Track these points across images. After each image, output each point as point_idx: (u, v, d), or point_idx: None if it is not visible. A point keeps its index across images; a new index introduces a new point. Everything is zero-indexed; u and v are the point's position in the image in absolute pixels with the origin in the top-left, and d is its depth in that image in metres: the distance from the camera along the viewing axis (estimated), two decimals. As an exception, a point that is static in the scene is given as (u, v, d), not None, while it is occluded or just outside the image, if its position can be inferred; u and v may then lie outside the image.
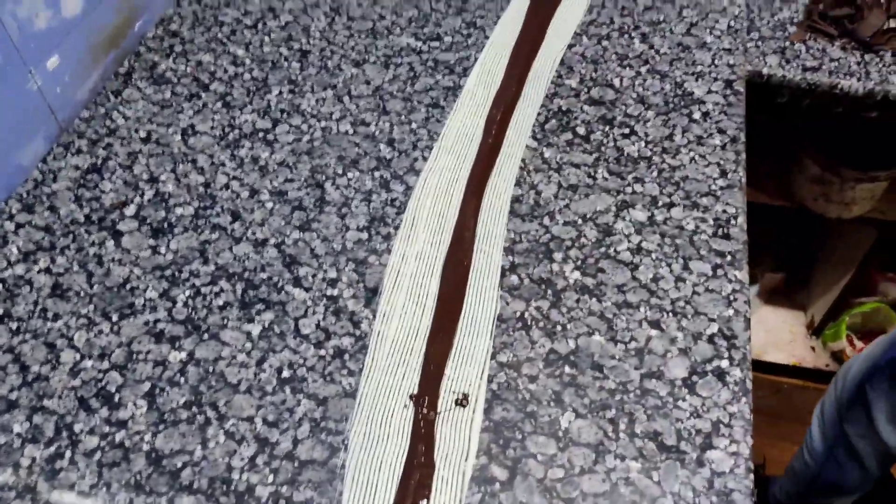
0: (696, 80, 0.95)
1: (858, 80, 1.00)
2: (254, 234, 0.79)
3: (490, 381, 0.67)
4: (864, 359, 0.97)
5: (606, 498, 0.60)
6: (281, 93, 0.95)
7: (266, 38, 1.03)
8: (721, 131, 0.88)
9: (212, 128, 0.90)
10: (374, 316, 0.72)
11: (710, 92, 0.93)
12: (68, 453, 0.62)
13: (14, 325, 0.71)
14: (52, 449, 0.63)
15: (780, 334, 1.70)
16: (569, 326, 0.71)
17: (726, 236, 0.77)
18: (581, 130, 0.89)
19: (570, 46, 1.00)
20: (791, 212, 1.34)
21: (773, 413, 1.47)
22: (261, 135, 0.90)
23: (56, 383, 0.67)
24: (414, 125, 0.91)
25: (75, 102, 0.93)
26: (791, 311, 1.71)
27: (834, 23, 1.07)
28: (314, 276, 0.75)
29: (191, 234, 0.79)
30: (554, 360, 0.68)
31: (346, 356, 0.69)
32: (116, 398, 0.66)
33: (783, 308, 1.71)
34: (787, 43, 1.05)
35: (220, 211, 0.81)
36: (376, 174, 0.85)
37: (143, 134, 0.90)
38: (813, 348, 1.67)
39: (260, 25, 1.05)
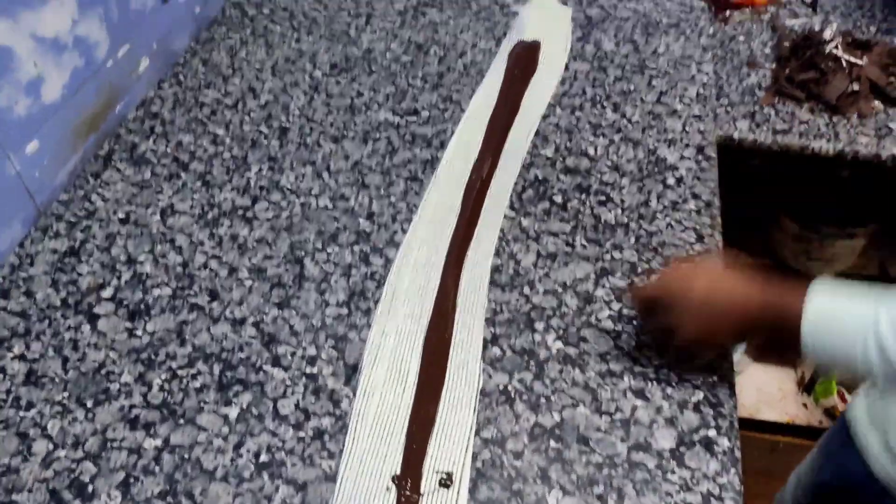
0: (669, 146, 0.97)
1: (828, 141, 1.02)
2: (232, 313, 0.78)
3: (474, 458, 0.65)
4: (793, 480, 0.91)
5: (597, 579, 0.58)
6: (261, 170, 0.96)
7: (246, 118, 1.04)
8: (695, 196, 0.89)
9: (191, 207, 0.91)
10: (355, 394, 0.71)
11: (682, 158, 0.95)
12: (36, 552, 0.60)
13: (-16, 416, 0.69)
14: (20, 547, 0.60)
15: (771, 392, 1.68)
16: (553, 398, 0.70)
17: (706, 301, 0.77)
18: (558, 199, 0.90)
19: (545, 117, 1.02)
20: (774, 270, 1.35)
21: (768, 473, 1.44)
22: (240, 212, 0.90)
23: (27, 475, 0.65)
24: (393, 198, 0.91)
25: (54, 186, 0.93)
26: (781, 369, 1.70)
27: (800, 87, 1.10)
28: (293, 354, 0.74)
29: (168, 316, 0.78)
30: (539, 434, 0.67)
31: (326, 437, 0.67)
32: (90, 489, 0.64)
33: (773, 366, 1.70)
34: (757, 107, 1.08)
35: (199, 290, 0.81)
36: (356, 248, 0.85)
37: (121, 215, 0.90)
38: (805, 405, 1.65)
39: (240, 105, 1.07)
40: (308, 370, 0.73)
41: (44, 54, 0.89)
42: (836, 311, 0.60)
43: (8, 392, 0.71)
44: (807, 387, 1.67)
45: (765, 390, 1.67)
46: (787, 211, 1.29)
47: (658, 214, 0.87)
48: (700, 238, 0.84)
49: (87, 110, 0.98)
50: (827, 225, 1.25)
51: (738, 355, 1.47)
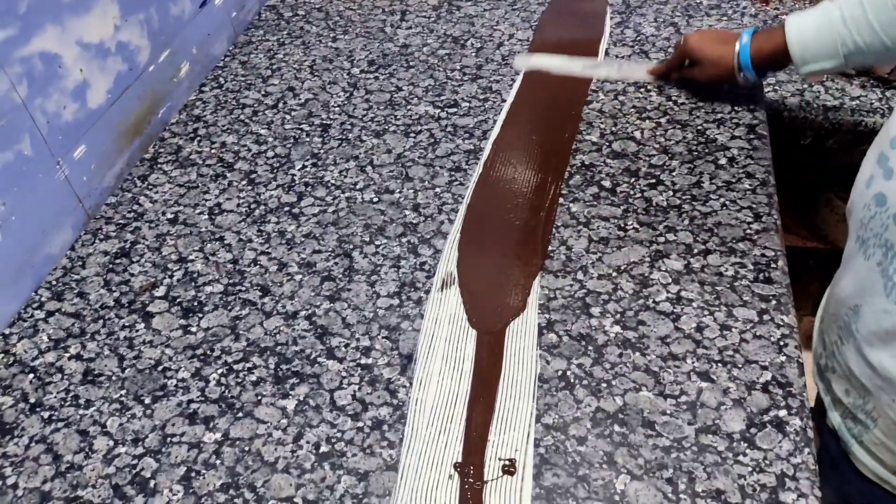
0: (718, 126, 0.94)
1: (882, 115, 0.99)
2: (284, 307, 0.78)
3: (537, 444, 0.64)
4: None
5: (673, 565, 0.56)
6: (304, 167, 0.96)
7: (287, 117, 1.04)
8: (749, 175, 0.87)
9: (238, 205, 0.91)
10: (411, 384, 0.70)
11: (733, 138, 0.93)
12: (103, 546, 0.60)
13: (46, 414, 0.70)
14: (87, 542, 0.60)
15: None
16: (614, 383, 0.68)
17: (768, 280, 0.75)
18: (606, 184, 0.88)
19: (588, 103, 1.01)
20: (825, 253, 1.31)
21: None
22: (286, 209, 0.90)
23: (90, 472, 0.65)
24: (438, 189, 0.90)
25: (102, 189, 0.94)
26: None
27: (850, 63, 1.06)
28: (347, 345, 0.73)
29: (221, 312, 0.78)
30: (602, 419, 0.65)
31: (385, 427, 0.66)
32: (152, 484, 0.63)
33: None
34: (805, 85, 1.05)
35: (250, 286, 0.80)
36: (403, 240, 0.84)
37: (170, 216, 0.90)
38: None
39: (280, 105, 1.07)
40: (363, 361, 0.72)
41: (89, 60, 0.90)
42: (808, 16, 0.84)
43: (67, 391, 0.72)
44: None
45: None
46: (838, 191, 1.25)
47: (712, 195, 0.85)
48: (757, 217, 0.82)
49: (130, 115, 0.99)
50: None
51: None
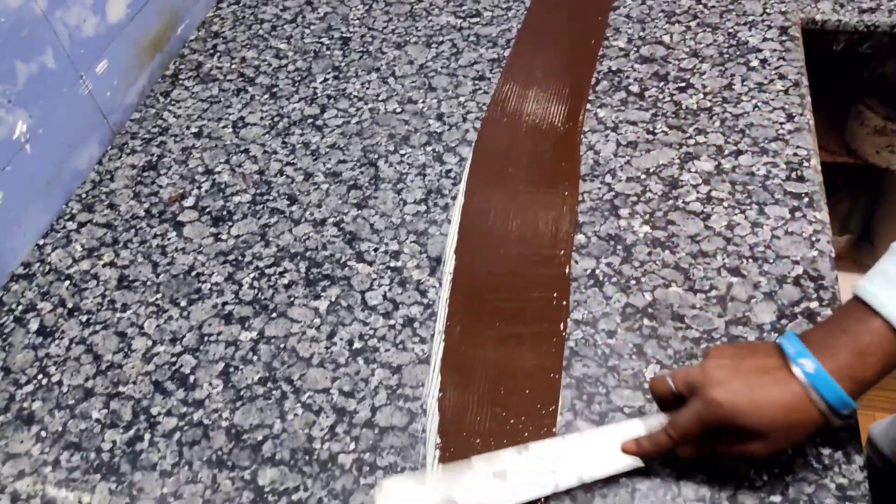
0: (749, 29, 0.92)
1: (921, 16, 0.95)
2: (312, 214, 0.78)
3: (567, 338, 0.65)
4: None
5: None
6: (326, 80, 0.95)
7: (306, 31, 1.03)
8: (782, 76, 0.85)
9: (261, 118, 0.90)
10: (441, 284, 0.70)
11: (765, 40, 0.90)
12: (147, 435, 0.62)
13: (84, 318, 0.71)
14: (132, 432, 0.62)
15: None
16: (643, 280, 0.68)
17: (801, 178, 0.74)
18: (634, 88, 0.87)
19: (614, 8, 0.98)
20: (854, 168, 1.29)
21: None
22: (310, 121, 0.89)
23: (130, 370, 0.67)
24: (462, 98, 0.89)
25: (125, 106, 0.94)
26: (860, 276, 1.64)
27: (887, -38, 1.02)
28: (376, 249, 0.74)
29: (250, 220, 0.79)
30: (631, 313, 0.66)
31: (416, 324, 0.67)
32: (191, 379, 0.65)
33: (851, 273, 1.64)
34: (840, -13, 1.01)
35: (277, 196, 0.81)
36: (428, 148, 0.84)
37: (194, 130, 0.90)
38: None
39: (299, 19, 1.05)
40: (392, 264, 0.72)
41: (106, -28, 0.89)
42: None
43: (103, 296, 0.73)
44: None
45: (843, 298, 1.61)
46: (870, 102, 1.22)
47: (743, 97, 0.83)
48: (790, 117, 0.80)
49: (150, 31, 0.98)
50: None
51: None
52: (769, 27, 0.91)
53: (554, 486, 0.53)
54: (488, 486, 0.53)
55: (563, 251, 0.71)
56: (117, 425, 0.63)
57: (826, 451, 0.55)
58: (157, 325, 0.70)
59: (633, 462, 0.54)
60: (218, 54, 1.01)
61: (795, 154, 0.76)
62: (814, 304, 0.64)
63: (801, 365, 0.47)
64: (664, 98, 0.85)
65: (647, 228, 0.72)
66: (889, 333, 0.46)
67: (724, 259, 0.69)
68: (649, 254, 0.70)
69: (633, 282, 0.68)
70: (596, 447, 0.55)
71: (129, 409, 0.64)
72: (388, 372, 0.64)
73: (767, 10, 0.94)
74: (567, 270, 0.69)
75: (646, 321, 0.65)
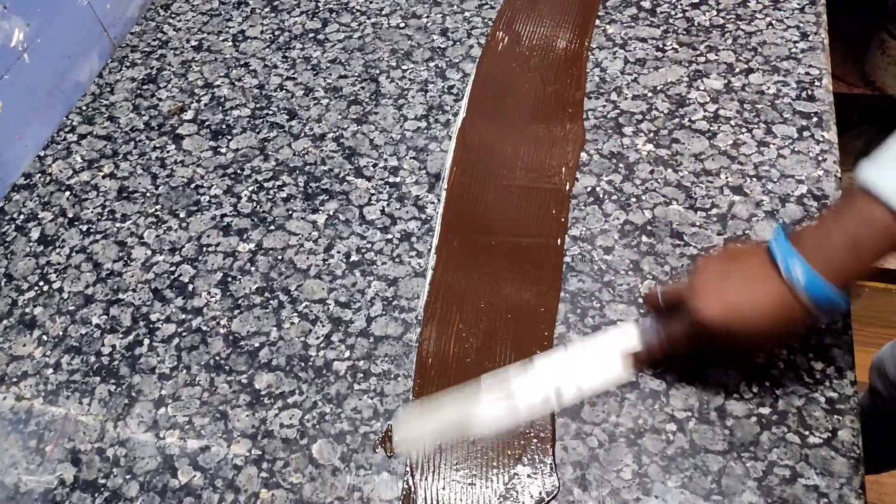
0: (769, -56, 0.88)
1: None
2: (311, 129, 0.77)
3: (563, 254, 0.64)
4: None
5: (694, 361, 0.57)
6: (328, -7, 0.92)
7: (309, -57, 0.99)
8: (799, -7, 0.82)
9: (262, 32, 0.89)
10: (439, 200, 0.70)
11: (784, -45, 0.86)
12: (147, 340, 0.63)
13: (84, 227, 0.72)
14: (131, 337, 0.63)
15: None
16: (644, 198, 0.67)
17: (811, 98, 0.72)
18: (646, 4, 0.84)
19: (629, -78, 0.94)
20: (875, 100, 1.25)
21: (886, 321, 1.39)
22: (311, 35, 0.87)
23: (129, 278, 0.67)
24: (467, 13, 0.87)
25: (126, 19, 0.92)
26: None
27: None
28: (375, 165, 0.73)
29: (249, 134, 0.78)
30: (629, 230, 0.65)
31: (414, 239, 0.67)
32: (190, 288, 0.66)
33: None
34: None
35: (276, 110, 0.80)
36: (431, 64, 0.82)
37: (194, 43, 0.89)
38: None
39: (302, -69, 1.01)
40: (391, 179, 0.72)
41: None
42: None
43: (103, 206, 0.73)
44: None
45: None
46: (893, 28, 1.18)
47: (757, 14, 0.80)
48: (804, 35, 0.77)
49: (149, -60, 0.95)
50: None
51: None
52: (790, -58, 0.87)
53: (557, 401, 0.55)
54: (497, 406, 0.55)
55: (564, 169, 0.70)
56: (117, 330, 0.64)
57: (818, 366, 0.55)
58: (156, 235, 0.70)
59: (630, 374, 0.55)
60: (219, -33, 0.98)
61: (807, 73, 0.74)
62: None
63: (790, 268, 0.46)
64: (676, 14, 0.82)
65: (650, 147, 0.71)
66: (889, 220, 0.43)
67: (727, 178, 0.67)
68: (651, 172, 0.69)
69: (633, 199, 0.67)
70: (595, 359, 0.56)
71: (129, 315, 0.65)
72: (385, 284, 0.64)
73: (789, -75, 0.89)
74: (568, 188, 0.69)
75: (644, 238, 0.64)
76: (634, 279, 0.62)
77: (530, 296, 0.62)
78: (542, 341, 0.59)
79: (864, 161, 0.46)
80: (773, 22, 0.79)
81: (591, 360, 0.56)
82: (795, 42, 0.77)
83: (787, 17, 0.80)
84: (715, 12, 0.81)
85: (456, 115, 0.77)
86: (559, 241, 0.65)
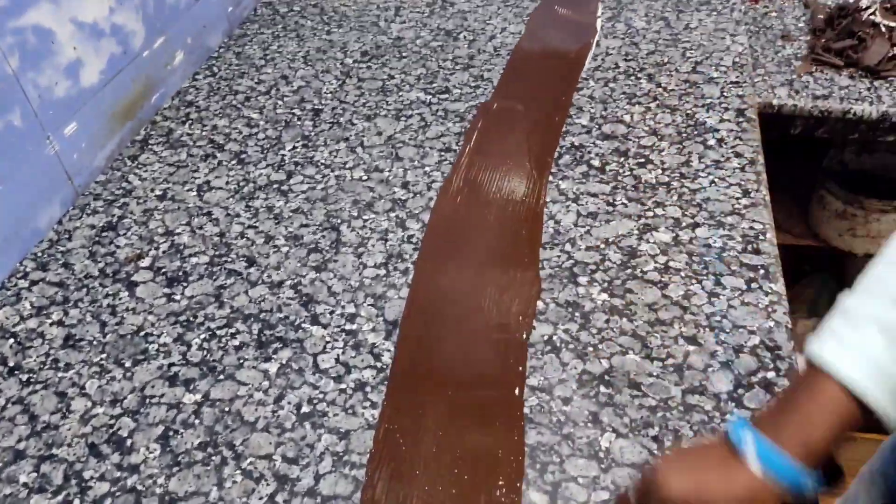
0: (707, 111, 0.95)
1: (871, 104, 1.00)
2: (269, 276, 0.77)
3: (522, 405, 0.63)
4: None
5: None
6: (295, 147, 0.96)
7: (279, 102, 1.05)
8: (738, 155, 0.87)
9: (227, 183, 0.91)
10: (396, 348, 0.69)
11: (722, 121, 0.93)
12: (77, 501, 0.58)
13: (24, 377, 0.69)
14: (60, 497, 0.59)
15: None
16: (601, 347, 0.67)
17: (756, 251, 0.75)
18: (596, 163, 0.88)
19: (578, 90, 1.01)
20: (821, 251, 1.31)
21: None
22: (275, 186, 0.90)
23: (66, 431, 0.64)
24: (427, 168, 0.90)
25: (92, 168, 0.94)
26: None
27: (838, 55, 1.08)
28: (332, 312, 0.73)
29: (206, 281, 0.77)
30: (588, 380, 0.64)
31: (368, 388, 0.65)
32: (128, 443, 0.62)
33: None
34: (794, 76, 1.06)
35: (236, 258, 0.80)
36: (391, 214, 0.84)
37: (158, 192, 0.90)
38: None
39: (273, 91, 1.07)
40: (348, 327, 0.71)
41: (83, 39, 0.91)
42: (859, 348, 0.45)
43: (47, 355, 0.71)
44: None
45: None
46: (830, 187, 1.25)
47: (700, 173, 0.85)
48: (746, 193, 0.82)
49: (123, 98, 0.99)
50: (870, 198, 1.21)
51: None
52: (726, 109, 0.95)
53: None
54: None
55: (521, 317, 0.70)
56: (45, 490, 0.59)
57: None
58: (98, 385, 0.67)
59: None
60: (190, 122, 1.02)
61: (751, 227, 0.77)
62: (770, 374, 0.63)
63: (746, 451, 0.45)
64: (624, 172, 0.86)
65: (605, 296, 0.72)
66: (838, 392, 0.44)
67: (681, 328, 0.68)
68: (607, 321, 0.69)
69: (590, 348, 0.67)
70: None
71: (61, 472, 0.60)
72: (336, 437, 0.61)
73: (725, 94, 0.97)
74: (525, 336, 0.68)
75: (602, 388, 0.64)
76: (594, 431, 0.60)
77: (491, 457, 0.59)
78: None
79: (810, 335, 0.48)
80: (716, 180, 0.84)
81: None
82: (738, 199, 0.81)
83: (729, 176, 0.84)
84: (660, 171, 0.86)
85: (414, 263, 0.78)
86: (517, 390, 0.64)
